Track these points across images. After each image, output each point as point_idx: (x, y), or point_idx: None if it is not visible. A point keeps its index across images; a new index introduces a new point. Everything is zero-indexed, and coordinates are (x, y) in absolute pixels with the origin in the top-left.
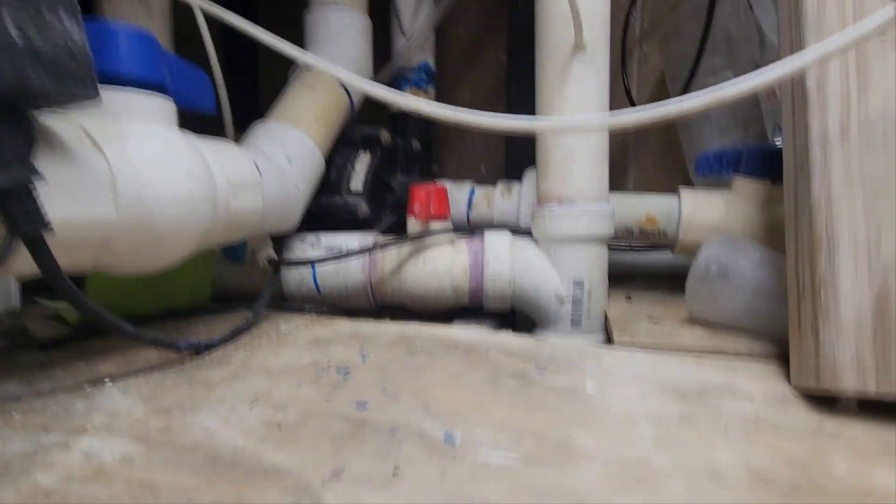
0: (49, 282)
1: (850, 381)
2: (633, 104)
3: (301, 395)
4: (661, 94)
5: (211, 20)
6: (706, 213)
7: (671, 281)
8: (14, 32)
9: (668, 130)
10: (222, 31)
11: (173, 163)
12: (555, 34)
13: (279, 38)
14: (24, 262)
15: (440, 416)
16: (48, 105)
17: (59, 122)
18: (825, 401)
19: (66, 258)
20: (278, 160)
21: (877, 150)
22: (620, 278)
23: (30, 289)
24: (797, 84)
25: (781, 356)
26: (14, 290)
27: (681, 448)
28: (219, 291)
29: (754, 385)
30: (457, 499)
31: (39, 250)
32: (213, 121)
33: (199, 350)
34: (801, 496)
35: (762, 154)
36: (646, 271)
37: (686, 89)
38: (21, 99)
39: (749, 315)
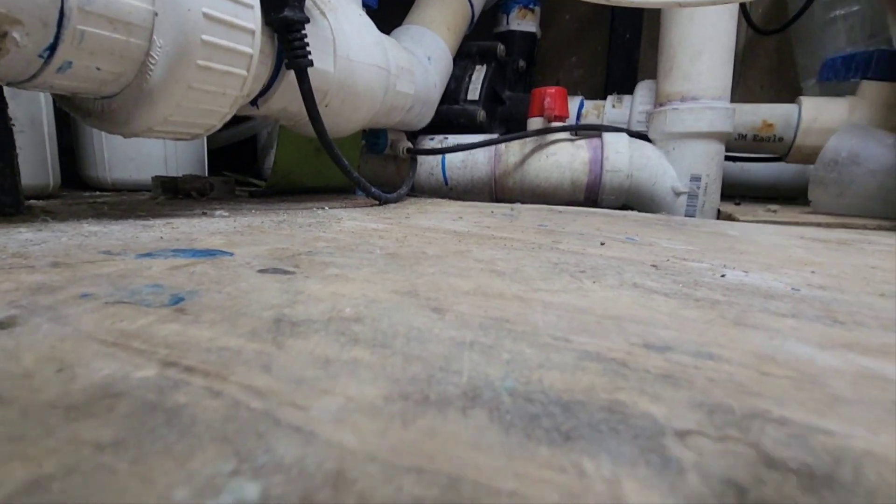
0: (308, 110)
1: None
2: (749, 23)
3: (487, 220)
4: (776, 12)
5: None
6: (829, 115)
7: (771, 199)
8: None
9: (779, 50)
10: None
11: (367, 36)
12: None
13: None
14: (278, 98)
15: (612, 232)
16: None
17: None
18: None
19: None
20: (420, 57)
21: None
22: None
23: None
24: None
25: None
26: (205, 161)
27: (834, 258)
28: None
29: (893, 240)
30: (655, 256)
31: (304, 79)
32: None
33: (381, 200)
34: None
35: (895, 56)
36: (747, 185)
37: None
38: None
39: (879, 198)
